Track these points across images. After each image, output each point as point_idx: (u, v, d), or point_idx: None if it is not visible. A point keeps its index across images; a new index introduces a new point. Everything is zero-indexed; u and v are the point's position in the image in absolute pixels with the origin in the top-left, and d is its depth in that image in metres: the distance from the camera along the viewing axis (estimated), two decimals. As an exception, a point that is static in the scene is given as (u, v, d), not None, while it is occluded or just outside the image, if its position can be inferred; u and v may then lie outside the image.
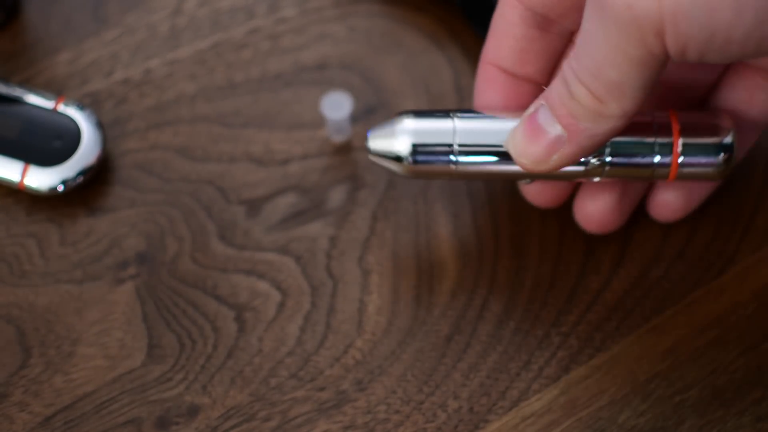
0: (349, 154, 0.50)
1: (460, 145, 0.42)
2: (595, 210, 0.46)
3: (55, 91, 0.50)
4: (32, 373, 0.45)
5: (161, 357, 0.45)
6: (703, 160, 0.43)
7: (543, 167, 0.41)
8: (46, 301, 0.46)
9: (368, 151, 0.43)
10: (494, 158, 0.42)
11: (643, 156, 0.43)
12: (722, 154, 0.43)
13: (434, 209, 0.48)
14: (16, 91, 0.49)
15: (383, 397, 0.45)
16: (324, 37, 0.52)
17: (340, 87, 0.51)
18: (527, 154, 0.41)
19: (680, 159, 0.43)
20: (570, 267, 0.47)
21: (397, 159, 0.43)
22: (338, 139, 0.50)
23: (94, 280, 0.47)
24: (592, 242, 0.48)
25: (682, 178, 0.43)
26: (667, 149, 0.42)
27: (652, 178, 0.43)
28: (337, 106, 0.48)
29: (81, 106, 0.48)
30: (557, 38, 0.44)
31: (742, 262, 0.48)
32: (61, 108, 0.48)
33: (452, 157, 0.42)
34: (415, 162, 0.43)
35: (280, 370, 0.45)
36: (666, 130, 0.43)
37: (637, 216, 0.48)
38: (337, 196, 0.49)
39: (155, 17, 0.52)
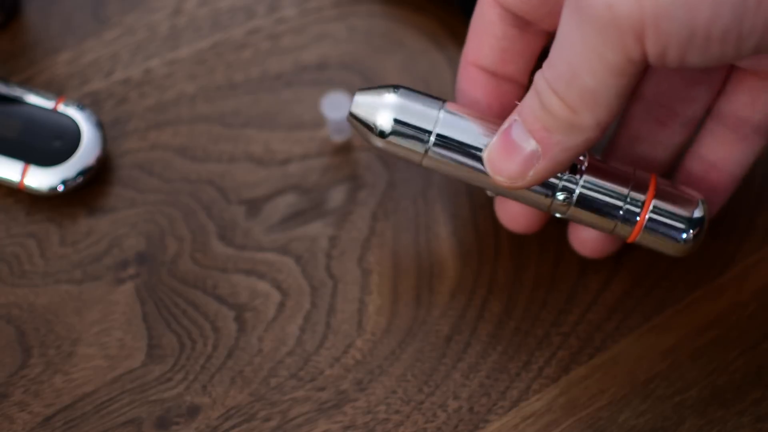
0: (349, 154, 0.50)
1: (438, 136, 0.41)
2: (589, 237, 0.45)
3: (55, 91, 0.50)
4: (32, 373, 0.45)
5: (161, 357, 0.45)
6: (670, 229, 0.42)
7: (519, 184, 0.40)
8: (46, 301, 0.46)
9: (349, 113, 0.42)
10: (466, 160, 0.41)
11: (611, 206, 0.42)
12: (691, 231, 0.42)
13: (434, 209, 0.48)
14: (16, 91, 0.49)
15: (383, 397, 0.45)
16: (324, 37, 0.52)
17: (340, 87, 0.51)
18: (502, 171, 0.40)
19: (648, 220, 0.42)
20: (570, 267, 0.47)
21: (374, 129, 0.41)
22: (338, 139, 0.50)
23: (94, 280, 0.47)
24: (592, 242, 0.48)
25: (643, 242, 0.42)
26: (637, 205, 0.42)
27: (612, 232, 0.42)
28: (337, 106, 0.48)
29: (81, 106, 0.48)
30: (537, 38, 0.43)
31: (742, 262, 0.48)
32: (61, 108, 0.48)
33: (427, 145, 0.42)
34: (389, 135, 0.41)
35: (280, 370, 0.45)
36: (642, 189, 0.42)
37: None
38: (337, 196, 0.49)
39: (155, 17, 0.52)
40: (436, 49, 0.52)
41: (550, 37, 0.43)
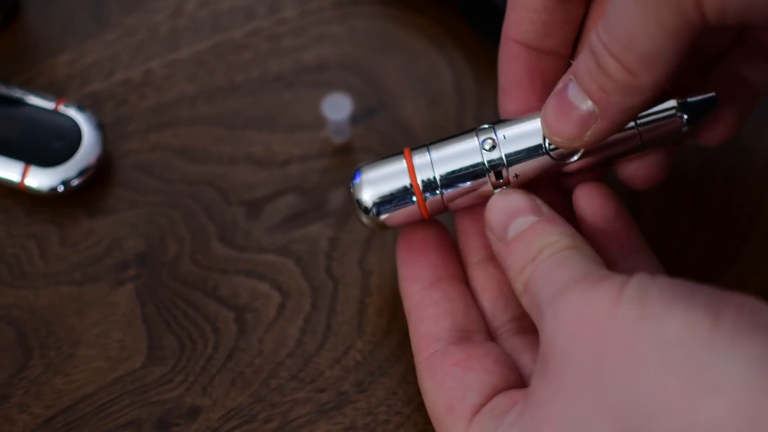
0: (349, 155, 0.50)
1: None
2: (641, 164, 0.43)
3: (56, 92, 0.50)
4: (32, 375, 0.45)
5: (161, 358, 0.45)
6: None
7: (576, 144, 0.40)
8: (47, 302, 0.46)
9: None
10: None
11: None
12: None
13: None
14: (16, 92, 0.49)
15: (384, 399, 0.45)
16: (324, 38, 0.52)
17: (340, 88, 0.51)
18: (560, 132, 0.39)
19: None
20: (570, 268, 0.47)
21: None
22: (338, 140, 0.50)
23: (94, 282, 0.47)
24: (592, 243, 0.48)
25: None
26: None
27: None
28: (337, 108, 0.48)
29: (81, 107, 0.48)
30: (577, 7, 0.43)
31: (743, 264, 0.48)
32: (62, 109, 0.48)
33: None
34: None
35: (280, 371, 0.45)
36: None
37: (637, 218, 0.48)
38: (337, 197, 0.49)
39: (155, 18, 0.52)
40: (436, 50, 0.52)
41: (588, 5, 0.43)
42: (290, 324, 0.46)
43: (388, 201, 0.42)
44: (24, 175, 0.47)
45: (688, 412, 0.31)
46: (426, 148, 0.42)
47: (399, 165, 0.42)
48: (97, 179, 0.48)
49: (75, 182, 0.47)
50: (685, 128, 0.41)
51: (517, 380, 0.40)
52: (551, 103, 0.40)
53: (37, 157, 0.47)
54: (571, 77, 0.39)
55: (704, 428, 0.31)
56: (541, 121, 0.40)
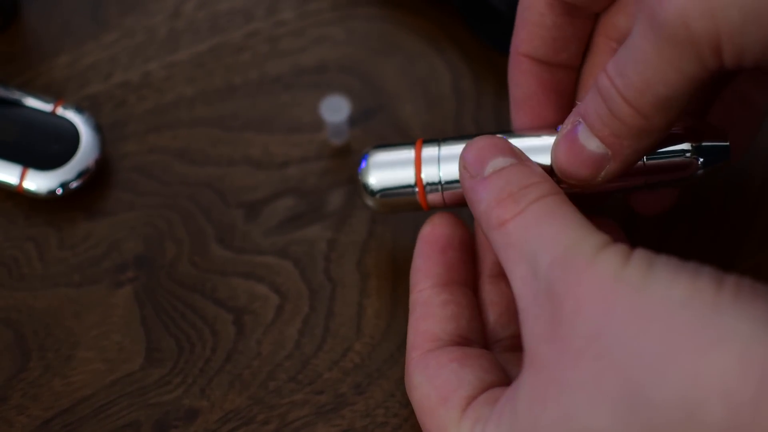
0: (347, 157, 0.50)
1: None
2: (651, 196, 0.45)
3: (54, 94, 0.50)
4: (31, 377, 0.45)
5: (160, 360, 0.45)
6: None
7: (590, 185, 0.40)
8: (45, 304, 0.46)
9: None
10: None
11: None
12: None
13: (433, 211, 0.48)
14: (14, 94, 0.49)
15: (382, 401, 0.45)
16: (323, 40, 0.52)
17: (338, 90, 0.51)
18: (574, 175, 0.40)
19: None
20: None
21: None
22: (337, 141, 0.50)
23: (92, 284, 0.47)
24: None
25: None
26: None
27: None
28: (335, 109, 0.48)
29: (80, 109, 0.48)
30: (587, 22, 0.43)
31: (742, 266, 0.48)
32: (60, 111, 0.48)
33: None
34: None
35: (278, 373, 0.45)
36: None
37: (636, 219, 0.48)
38: (335, 199, 0.49)
39: (154, 20, 0.52)
40: (434, 52, 0.52)
41: (596, 20, 0.43)
42: (288, 326, 0.46)
43: (391, 189, 0.43)
44: (22, 177, 0.47)
45: (695, 365, 0.32)
46: (437, 142, 0.43)
47: (408, 155, 0.43)
48: (96, 181, 0.48)
49: (73, 185, 0.47)
50: (699, 171, 0.41)
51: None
52: (561, 146, 0.40)
53: (36, 160, 0.47)
54: (580, 120, 0.39)
55: (711, 380, 0.32)
56: (552, 163, 0.41)
